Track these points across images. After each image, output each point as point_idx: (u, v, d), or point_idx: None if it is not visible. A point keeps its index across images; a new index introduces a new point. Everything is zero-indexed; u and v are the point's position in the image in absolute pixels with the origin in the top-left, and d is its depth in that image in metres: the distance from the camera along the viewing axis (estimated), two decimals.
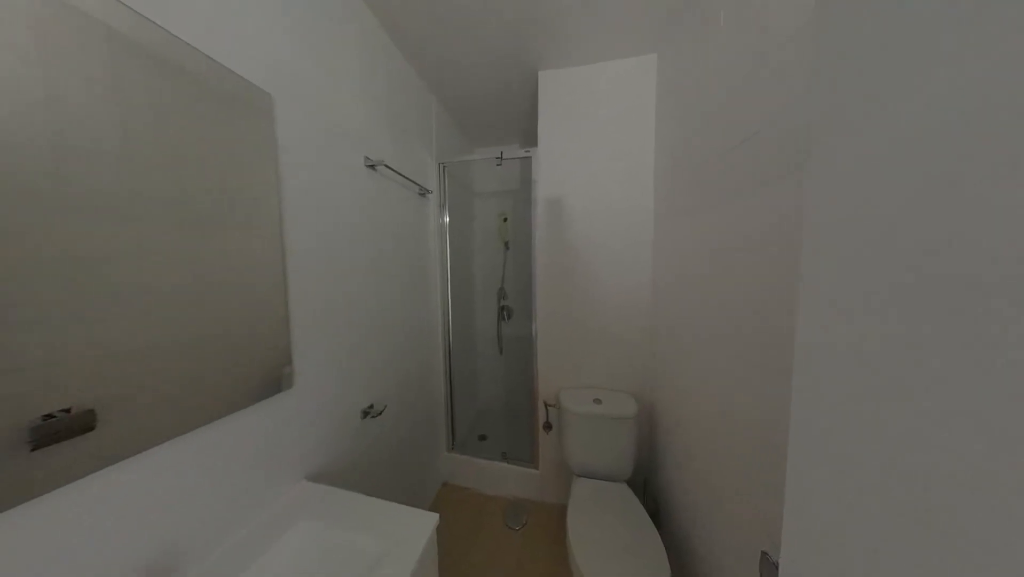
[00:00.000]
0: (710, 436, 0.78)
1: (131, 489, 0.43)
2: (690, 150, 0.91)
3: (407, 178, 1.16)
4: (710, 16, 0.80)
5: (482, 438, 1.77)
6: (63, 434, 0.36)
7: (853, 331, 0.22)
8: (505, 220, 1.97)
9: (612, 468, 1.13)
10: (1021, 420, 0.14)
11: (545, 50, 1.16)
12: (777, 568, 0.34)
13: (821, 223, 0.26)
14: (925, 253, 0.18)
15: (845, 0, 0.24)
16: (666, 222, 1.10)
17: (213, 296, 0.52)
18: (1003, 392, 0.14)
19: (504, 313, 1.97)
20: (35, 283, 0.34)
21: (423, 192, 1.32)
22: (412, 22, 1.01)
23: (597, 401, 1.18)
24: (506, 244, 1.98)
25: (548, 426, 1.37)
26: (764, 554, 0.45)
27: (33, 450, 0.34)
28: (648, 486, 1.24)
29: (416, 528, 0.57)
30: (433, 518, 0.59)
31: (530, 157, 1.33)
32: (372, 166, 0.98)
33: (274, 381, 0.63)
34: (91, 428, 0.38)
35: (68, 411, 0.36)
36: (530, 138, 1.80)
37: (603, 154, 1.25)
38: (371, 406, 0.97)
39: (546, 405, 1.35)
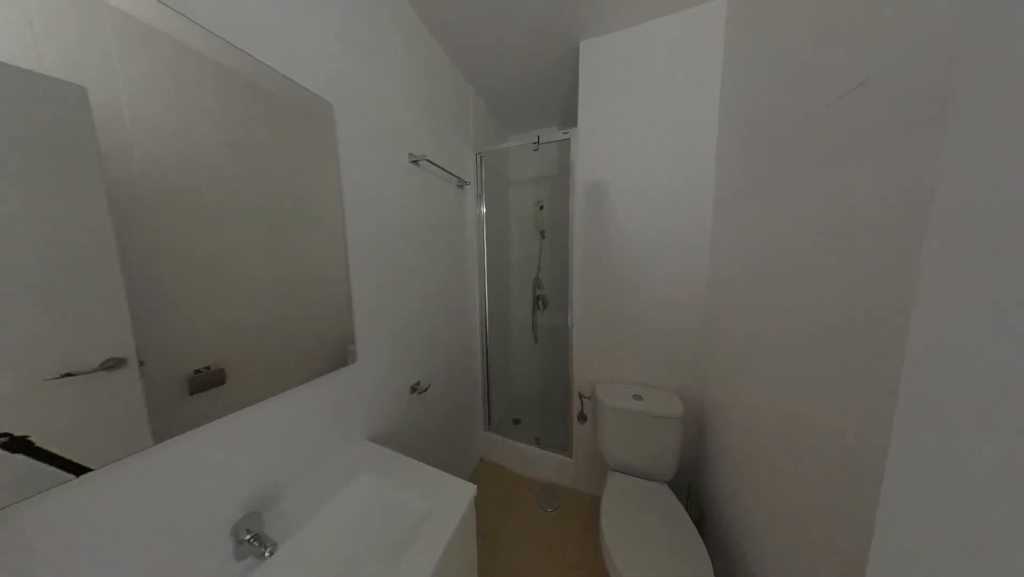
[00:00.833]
0: (773, 446, 0.69)
1: (248, 431, 0.56)
2: (768, 113, 0.75)
3: (447, 171, 1.20)
4: None
5: (516, 422, 1.84)
6: (207, 385, 0.48)
7: (999, 336, 0.17)
8: (541, 208, 1.93)
9: (652, 467, 1.08)
10: None
11: (587, 15, 1.06)
12: None
13: (964, 198, 0.19)
14: None
15: None
16: (730, 203, 0.96)
17: (297, 285, 0.62)
18: None
19: (539, 303, 1.97)
20: (181, 272, 0.45)
21: (461, 184, 1.36)
22: (449, 6, 1.01)
23: (637, 397, 1.13)
24: (542, 233, 1.95)
25: (583, 417, 1.36)
26: None
27: (191, 394, 0.46)
28: (692, 491, 1.17)
29: (457, 495, 0.63)
30: (472, 488, 0.64)
31: (568, 139, 1.26)
32: (415, 161, 1.04)
33: (341, 356, 0.74)
34: (223, 383, 0.50)
35: (208, 368, 0.48)
36: (569, 119, 1.70)
37: (652, 129, 1.12)
38: (418, 383, 1.07)
39: (581, 397, 1.34)
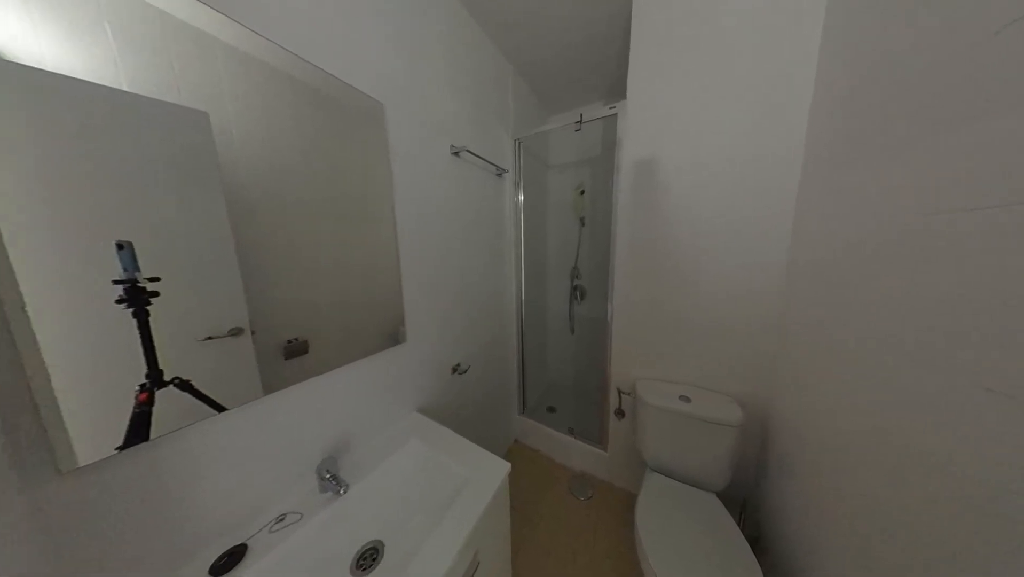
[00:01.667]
0: (867, 475, 0.57)
1: (325, 393, 0.68)
2: (903, 44, 0.56)
3: (486, 160, 1.21)
4: None
5: (551, 410, 1.87)
6: (296, 352, 0.59)
7: None
8: (582, 193, 1.83)
9: (700, 475, 1.01)
10: None
11: None
12: None
13: None
14: None
15: None
16: (825, 174, 0.78)
17: (358, 272, 0.71)
18: None
19: (576, 293, 1.91)
20: (273, 260, 0.55)
21: (500, 172, 1.37)
22: None
23: (684, 399, 1.05)
24: (581, 220, 1.86)
25: (620, 413, 1.31)
26: None
27: (286, 359, 0.58)
28: (748, 507, 1.06)
29: (492, 469, 0.68)
30: (506, 465, 0.68)
31: (615, 114, 1.15)
32: (456, 153, 1.07)
33: (394, 336, 0.84)
34: (306, 352, 0.61)
35: (297, 339, 0.59)
36: (616, 91, 1.55)
37: (721, 93, 0.95)
38: (458, 364, 1.16)
39: (619, 392, 1.29)
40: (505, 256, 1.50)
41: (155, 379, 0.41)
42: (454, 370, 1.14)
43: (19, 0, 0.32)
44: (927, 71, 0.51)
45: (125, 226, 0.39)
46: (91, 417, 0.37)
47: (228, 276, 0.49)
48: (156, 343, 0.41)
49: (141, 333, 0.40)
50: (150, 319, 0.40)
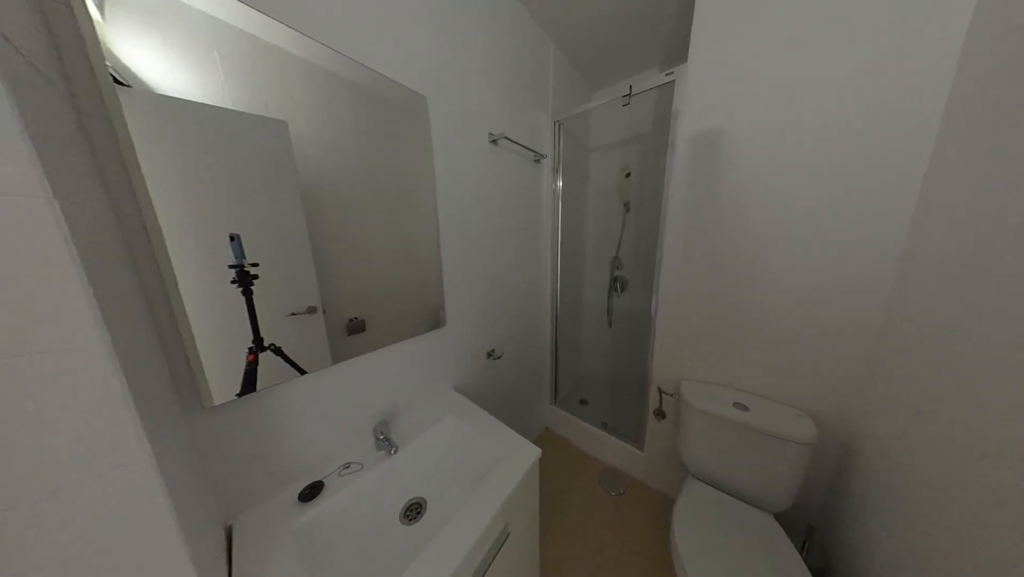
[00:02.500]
0: (999, 526, 0.45)
1: (380, 366, 0.77)
2: None
3: (523, 146, 1.19)
4: None
5: (583, 402, 1.85)
6: (356, 330, 0.69)
7: None
8: (628, 175, 1.68)
9: (754, 492, 0.91)
10: None
11: None
12: None
13: None
14: None
15: None
16: (976, 140, 0.59)
17: (405, 260, 0.78)
18: None
19: (616, 285, 1.80)
20: (335, 249, 0.63)
21: (538, 158, 1.33)
22: None
23: (740, 406, 0.94)
24: (626, 205, 1.72)
25: (661, 414, 1.24)
26: None
27: (348, 336, 0.67)
28: (815, 535, 0.93)
29: (523, 451, 0.71)
30: (537, 450, 0.71)
31: (672, 81, 1.01)
32: (494, 140, 1.07)
33: (435, 320, 0.91)
34: (364, 330, 0.70)
35: (356, 318, 0.68)
36: (674, 56, 1.36)
37: (813, 38, 0.77)
38: (493, 350, 1.21)
39: (661, 392, 1.21)
40: (541, 245, 1.48)
41: (258, 344, 0.52)
42: (489, 355, 1.19)
43: (159, 41, 0.41)
44: None
45: (233, 222, 0.48)
46: (219, 370, 0.49)
47: (304, 262, 0.58)
48: (258, 316, 0.51)
49: (248, 308, 0.50)
50: (253, 297, 0.50)
